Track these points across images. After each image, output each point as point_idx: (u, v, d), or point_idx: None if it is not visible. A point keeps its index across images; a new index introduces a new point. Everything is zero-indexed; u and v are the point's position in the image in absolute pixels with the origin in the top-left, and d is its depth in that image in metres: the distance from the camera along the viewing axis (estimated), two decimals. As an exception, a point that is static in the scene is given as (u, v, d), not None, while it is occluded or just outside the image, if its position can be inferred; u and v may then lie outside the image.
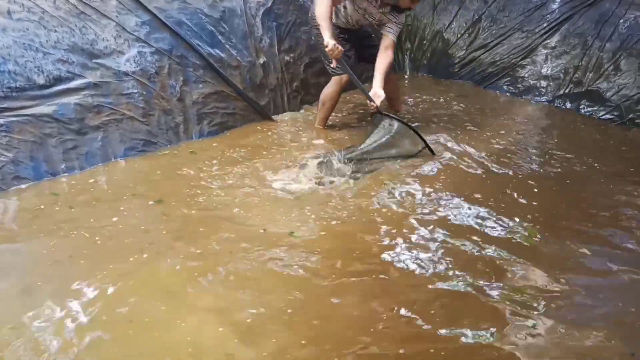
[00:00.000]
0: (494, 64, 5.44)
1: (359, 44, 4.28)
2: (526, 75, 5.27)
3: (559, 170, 3.66)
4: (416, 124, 4.22)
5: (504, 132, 4.30)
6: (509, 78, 5.36)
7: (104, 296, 2.15)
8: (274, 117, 4.43)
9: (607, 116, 4.65)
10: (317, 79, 4.91)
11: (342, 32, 4.12)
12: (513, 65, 5.34)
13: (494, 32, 5.52)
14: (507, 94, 5.27)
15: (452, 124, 4.41)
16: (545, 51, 5.21)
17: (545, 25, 5.25)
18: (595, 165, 3.76)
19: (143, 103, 3.64)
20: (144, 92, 3.65)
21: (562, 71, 5.06)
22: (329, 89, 4.19)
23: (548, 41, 5.22)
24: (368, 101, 3.87)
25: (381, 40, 4.02)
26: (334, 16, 4.01)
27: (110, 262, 2.39)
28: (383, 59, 3.95)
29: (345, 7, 4.05)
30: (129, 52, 3.62)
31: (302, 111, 4.67)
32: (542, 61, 5.21)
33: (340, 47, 3.63)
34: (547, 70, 5.15)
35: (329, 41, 3.60)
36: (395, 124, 3.79)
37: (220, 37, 4.16)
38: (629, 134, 4.39)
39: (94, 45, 3.47)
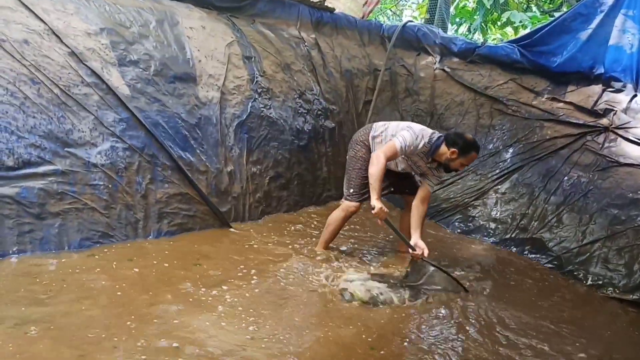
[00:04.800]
0: (448, 200, 5.73)
1: (398, 178, 4.37)
2: (477, 215, 5.56)
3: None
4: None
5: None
6: (460, 216, 5.63)
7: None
8: (233, 224, 4.50)
9: (548, 265, 4.89)
10: (279, 192, 5.08)
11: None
12: (465, 205, 5.65)
13: (451, 170, 5.88)
14: (458, 230, 5.52)
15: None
16: (496, 195, 5.56)
17: (497, 171, 5.63)
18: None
19: (107, 195, 3.70)
20: (110, 185, 3.72)
21: (510, 216, 5.37)
22: (337, 214, 4.23)
23: (499, 187, 5.58)
24: (410, 250, 3.98)
25: (420, 189, 4.19)
26: None
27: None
28: (421, 212, 4.12)
29: (396, 162, 4.23)
30: (102, 145, 3.73)
31: (260, 221, 4.77)
32: (492, 204, 5.54)
33: (385, 209, 3.83)
34: (497, 213, 5.46)
35: (375, 203, 3.80)
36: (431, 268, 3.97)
37: (192, 142, 4.33)
38: (566, 285, 4.60)
39: (69, 135, 3.57)
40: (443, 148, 3.99)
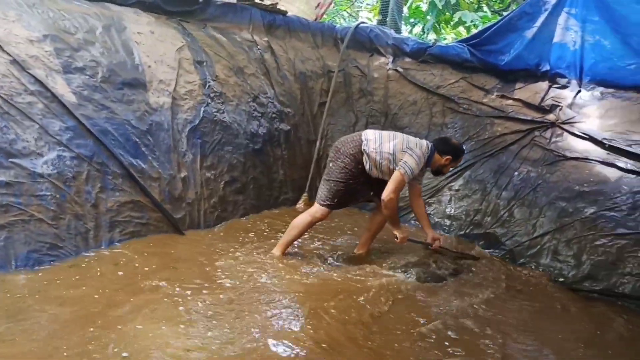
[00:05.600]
0: (403, 199, 5.79)
1: (378, 184, 4.24)
2: (432, 212, 5.64)
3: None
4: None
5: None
6: (416, 214, 5.71)
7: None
8: (189, 230, 4.46)
9: (502, 258, 5.01)
10: (235, 197, 5.07)
11: (368, 178, 4.21)
12: (421, 203, 5.73)
13: (405, 169, 5.94)
14: (413, 228, 5.59)
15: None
16: (450, 193, 5.65)
17: (450, 169, 5.72)
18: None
19: (55, 206, 3.62)
20: (58, 196, 3.64)
21: (464, 212, 5.47)
22: (304, 218, 4.21)
23: (452, 184, 5.67)
24: (429, 246, 4.53)
25: (410, 188, 4.47)
26: (375, 170, 4.16)
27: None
28: (422, 207, 4.62)
29: (384, 172, 4.21)
30: (48, 154, 3.66)
31: (216, 227, 4.74)
32: (447, 201, 5.63)
33: (407, 232, 4.40)
34: (451, 210, 5.56)
35: (399, 233, 4.24)
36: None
37: (144, 148, 4.28)
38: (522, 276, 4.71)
39: (13, 145, 3.49)
40: (436, 156, 4.27)
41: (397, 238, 4.24)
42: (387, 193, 4.02)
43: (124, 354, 2.56)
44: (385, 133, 4.27)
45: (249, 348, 2.80)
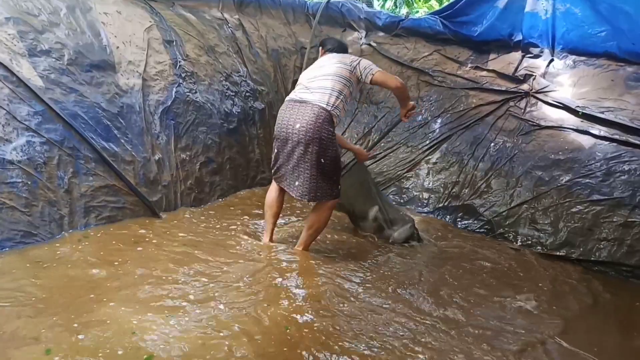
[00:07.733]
0: (382, 174, 5.80)
1: None
2: (410, 186, 5.65)
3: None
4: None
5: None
6: (395, 188, 5.72)
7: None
8: (166, 213, 4.40)
9: (480, 230, 5.05)
10: (211, 177, 5.01)
11: None
12: (399, 177, 5.73)
13: (382, 144, 5.93)
14: (393, 202, 5.60)
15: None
16: (427, 166, 5.66)
17: (427, 142, 5.74)
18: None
19: (27, 193, 3.52)
20: (29, 182, 3.55)
21: (442, 185, 5.49)
22: (327, 214, 3.94)
23: (430, 157, 5.68)
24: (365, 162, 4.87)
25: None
26: (350, 101, 4.01)
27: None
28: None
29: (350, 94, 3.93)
30: (17, 140, 3.55)
31: (193, 208, 4.68)
32: (425, 175, 5.64)
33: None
34: (429, 183, 5.57)
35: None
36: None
37: (116, 131, 4.18)
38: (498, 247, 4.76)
39: (-21, 133, 3.37)
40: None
41: (405, 118, 4.13)
42: (394, 83, 3.79)
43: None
44: (315, 80, 3.83)
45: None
